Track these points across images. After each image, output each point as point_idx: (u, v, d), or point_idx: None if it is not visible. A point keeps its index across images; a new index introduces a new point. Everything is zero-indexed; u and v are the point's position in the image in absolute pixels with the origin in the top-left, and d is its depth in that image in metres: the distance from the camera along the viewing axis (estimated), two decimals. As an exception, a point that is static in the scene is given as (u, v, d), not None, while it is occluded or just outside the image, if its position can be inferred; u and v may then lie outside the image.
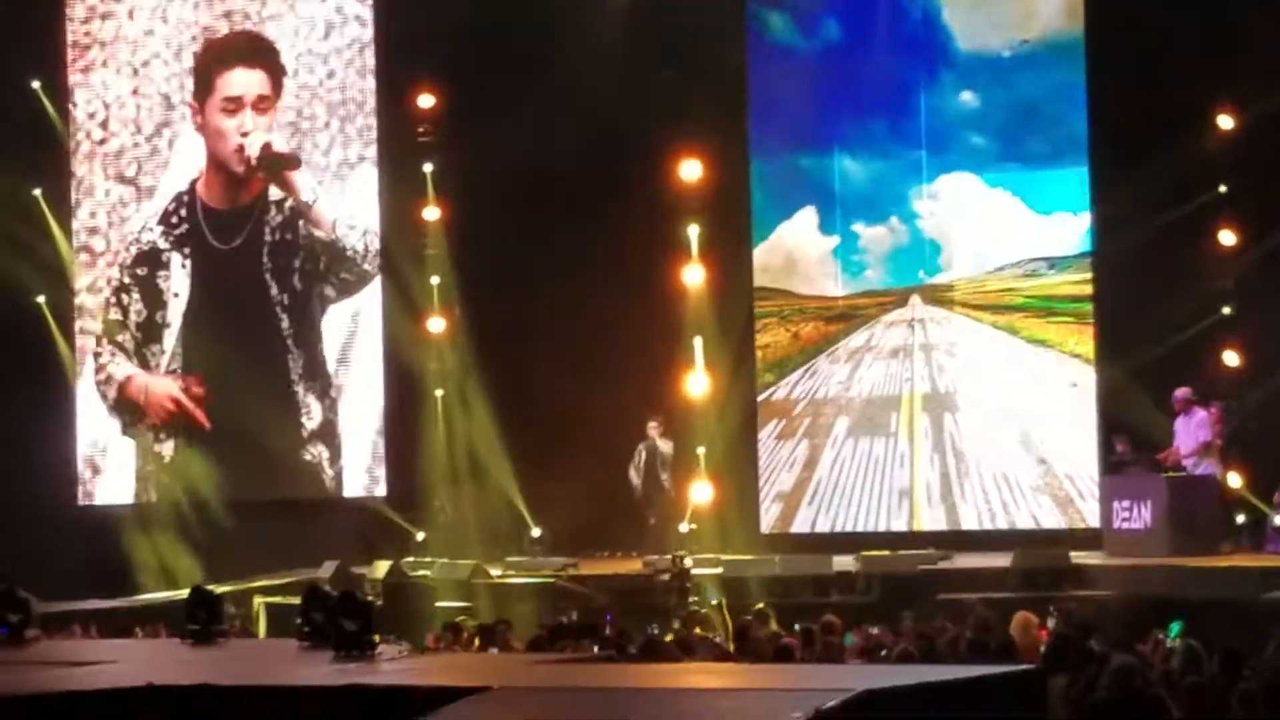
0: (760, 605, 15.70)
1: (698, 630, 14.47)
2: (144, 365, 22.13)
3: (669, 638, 13.33)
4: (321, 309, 21.77)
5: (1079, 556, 17.50)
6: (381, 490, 21.42)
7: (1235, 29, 17.91)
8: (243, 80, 21.92)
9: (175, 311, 22.06)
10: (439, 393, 20.96)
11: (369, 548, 20.20)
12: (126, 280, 22.24)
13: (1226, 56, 18.08)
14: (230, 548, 20.36)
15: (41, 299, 22.12)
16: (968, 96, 20.21)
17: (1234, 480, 18.25)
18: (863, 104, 20.58)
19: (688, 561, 17.19)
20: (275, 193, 21.88)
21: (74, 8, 22.40)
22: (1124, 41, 18.74)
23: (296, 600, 10.96)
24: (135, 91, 22.30)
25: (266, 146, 21.70)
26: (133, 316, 22.18)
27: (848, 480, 20.48)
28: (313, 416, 21.67)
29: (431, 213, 21.14)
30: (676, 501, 20.08)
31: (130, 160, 22.32)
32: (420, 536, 20.59)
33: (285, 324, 21.73)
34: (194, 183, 22.19)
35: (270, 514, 21.12)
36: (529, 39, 20.02)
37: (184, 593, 11.77)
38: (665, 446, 20.11)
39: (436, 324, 21.04)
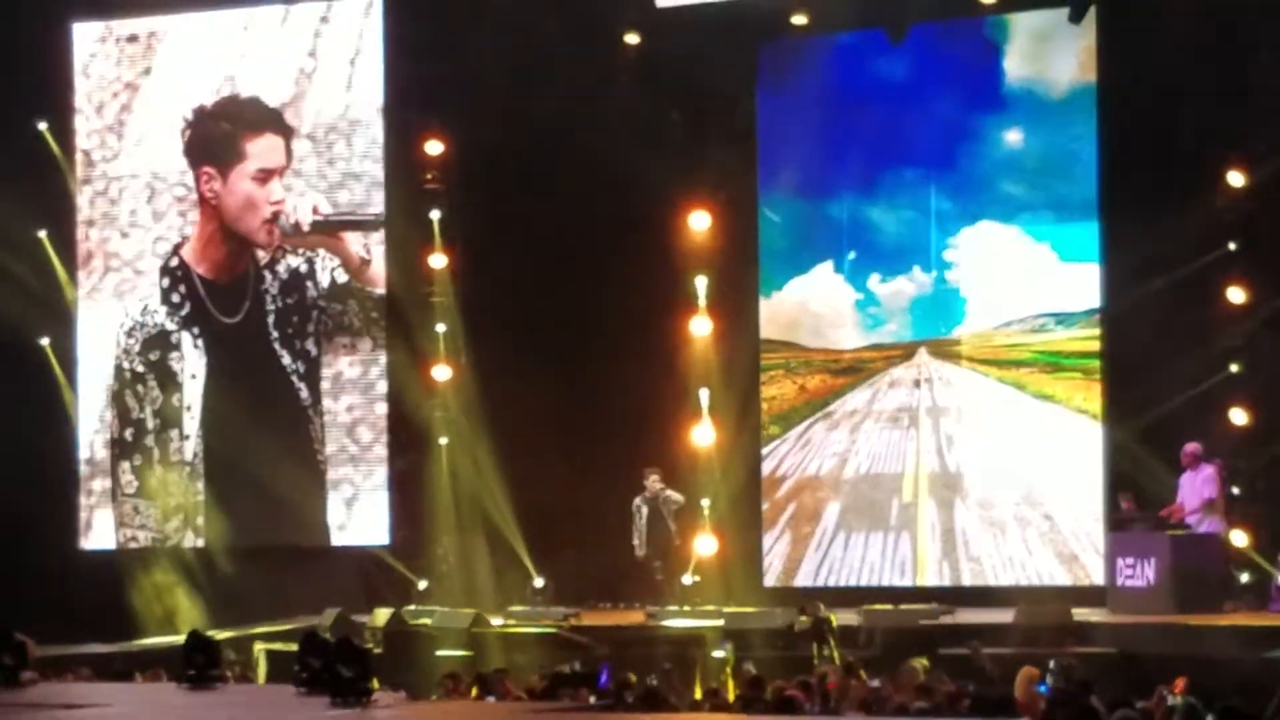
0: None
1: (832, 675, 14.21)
2: (163, 453, 21.99)
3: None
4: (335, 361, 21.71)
5: (1082, 613, 17.43)
6: (385, 538, 21.35)
7: (1247, 87, 17.89)
8: (272, 147, 21.77)
9: (193, 394, 21.94)
10: (443, 441, 20.93)
11: (371, 595, 20.14)
12: (140, 368, 22.11)
13: (1238, 114, 18.07)
14: (234, 594, 20.36)
15: (46, 341, 22.14)
16: (986, 147, 20.23)
17: (1238, 538, 18.19)
18: (877, 152, 20.57)
19: (824, 610, 16.95)
20: (263, 256, 21.79)
21: (81, 50, 22.42)
22: (1136, 97, 18.74)
23: (295, 647, 10.92)
24: (137, 145, 22.28)
25: (314, 209, 21.54)
26: (148, 406, 22.07)
27: (852, 536, 20.47)
28: (321, 464, 21.62)
29: (438, 260, 21.13)
30: (682, 552, 19.98)
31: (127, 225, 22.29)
32: (423, 585, 20.54)
33: (304, 393, 21.62)
34: (177, 252, 22.12)
35: (274, 560, 21.09)
36: (538, 87, 20.03)
37: (183, 639, 11.73)
38: (675, 496, 19.99)
39: (442, 372, 21.02)
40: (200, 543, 21.71)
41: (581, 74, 20.02)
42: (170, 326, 22.08)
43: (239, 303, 21.80)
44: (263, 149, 21.79)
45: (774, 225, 20.96)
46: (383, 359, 21.43)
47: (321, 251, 21.62)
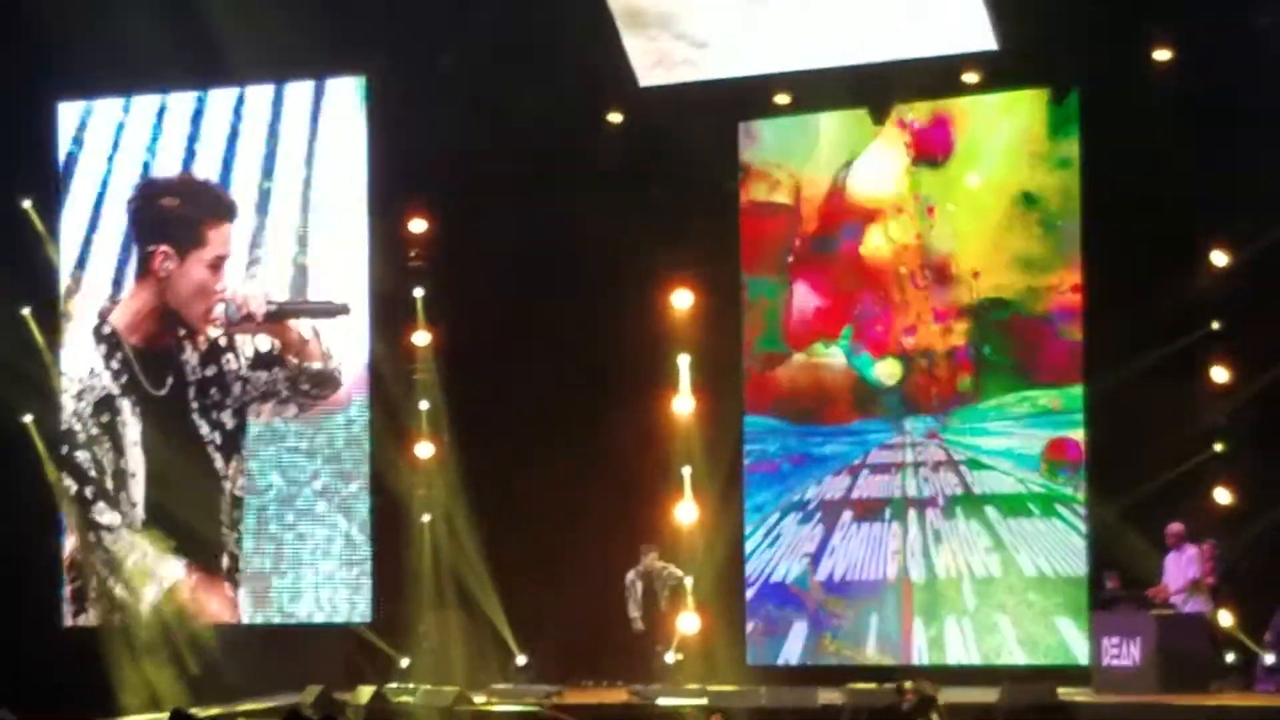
0: None
1: None
2: (122, 515, 22.04)
3: None
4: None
5: (1067, 693, 17.37)
6: (366, 615, 21.26)
7: (1230, 164, 17.98)
8: (229, 236, 21.87)
9: (136, 461, 21.99)
10: (426, 518, 20.89)
11: (353, 673, 20.05)
12: (94, 431, 22.16)
13: (1221, 192, 18.15)
14: (215, 671, 20.27)
15: (29, 419, 22.11)
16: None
17: (1224, 618, 18.18)
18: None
19: (929, 688, 16.79)
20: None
21: (64, 128, 22.53)
22: (1118, 173, 18.84)
23: (277, 725, 10.89)
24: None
25: (267, 299, 21.62)
26: (107, 465, 22.10)
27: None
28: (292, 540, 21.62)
29: (421, 337, 21.14)
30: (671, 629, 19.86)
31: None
32: (405, 662, 20.46)
33: (219, 463, 21.66)
34: (105, 319, 22.19)
35: (255, 638, 21.02)
36: (522, 165, 20.13)
37: (166, 716, 11.69)
38: (675, 571, 19.83)
39: (425, 449, 21.00)
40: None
41: (565, 152, 20.11)
42: (114, 390, 22.17)
43: (164, 375, 21.91)
44: (223, 237, 21.86)
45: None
46: (364, 436, 21.40)
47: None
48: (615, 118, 20.64)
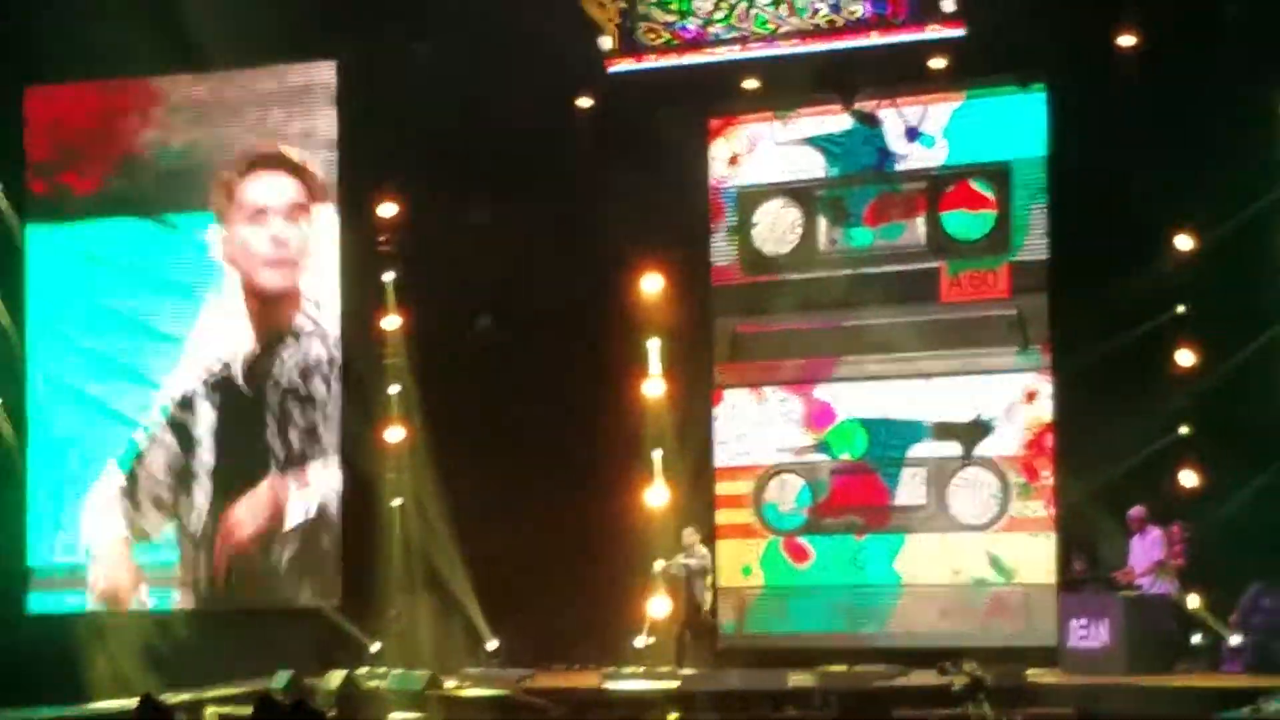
0: None
1: None
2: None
3: None
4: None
5: (1035, 674, 17.50)
6: (337, 600, 21.28)
7: (1196, 150, 18.12)
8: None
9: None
10: (397, 502, 20.91)
11: (323, 658, 20.06)
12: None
13: (1187, 178, 18.28)
14: (186, 656, 20.25)
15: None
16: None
17: (1191, 600, 18.33)
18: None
19: (978, 668, 16.82)
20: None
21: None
22: (1086, 161, 18.95)
23: (249, 710, 10.89)
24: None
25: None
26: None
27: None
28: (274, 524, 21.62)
29: (391, 322, 21.16)
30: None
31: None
32: (375, 647, 20.46)
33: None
34: None
35: (226, 623, 21.02)
36: (492, 150, 20.15)
37: (133, 702, 11.72)
38: (703, 553, 19.77)
39: (395, 433, 21.03)
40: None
41: (534, 137, 20.12)
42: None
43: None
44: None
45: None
46: (335, 416, 21.41)
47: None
48: (585, 103, 20.67)
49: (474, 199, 20.23)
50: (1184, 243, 18.77)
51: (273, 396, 21.61)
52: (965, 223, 20.22)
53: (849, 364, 20.54)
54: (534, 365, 20.35)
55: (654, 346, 20.53)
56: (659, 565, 19.65)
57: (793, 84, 20.28)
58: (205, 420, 21.81)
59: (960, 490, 20.07)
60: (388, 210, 21.14)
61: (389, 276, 21.19)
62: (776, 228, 20.94)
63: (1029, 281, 19.84)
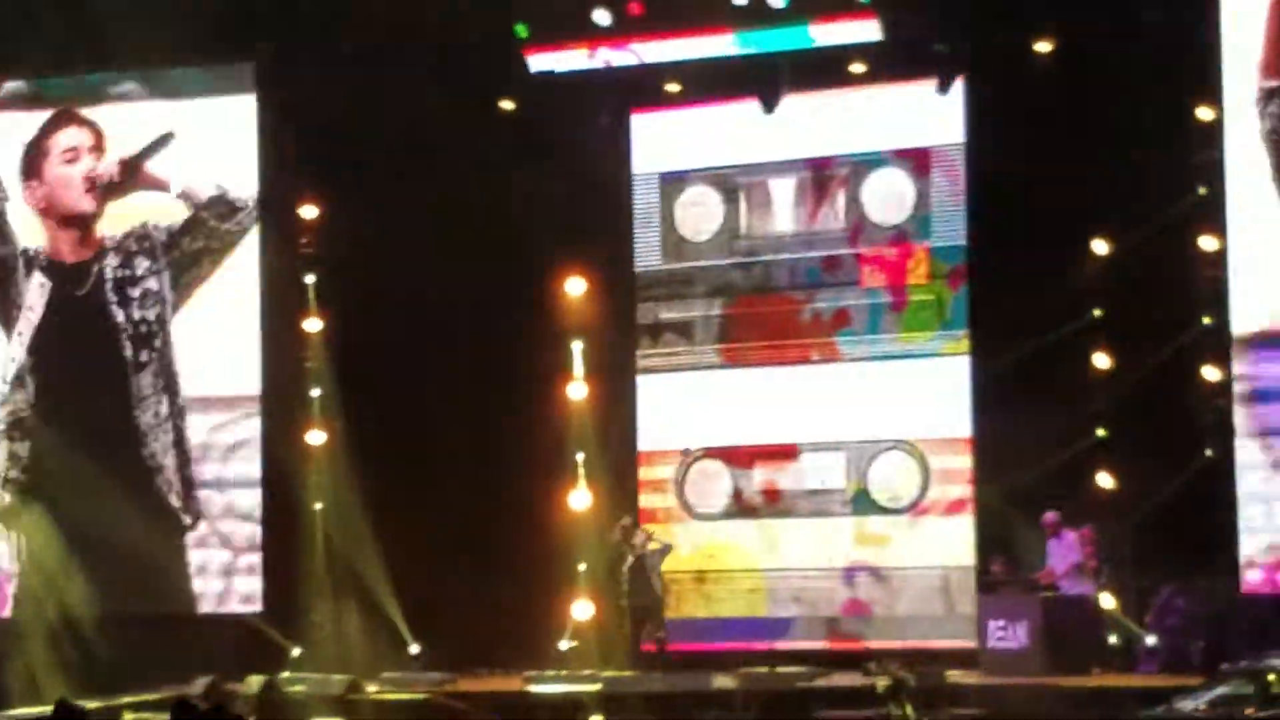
0: None
1: None
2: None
3: None
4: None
5: (955, 675, 17.63)
6: (258, 605, 21.20)
7: (1112, 154, 18.27)
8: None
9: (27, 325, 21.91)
10: (318, 506, 20.85)
11: (243, 663, 19.96)
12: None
13: (1103, 182, 18.44)
14: (102, 663, 20.11)
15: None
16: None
17: (1107, 601, 18.49)
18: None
19: (898, 670, 16.85)
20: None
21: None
22: (1003, 165, 19.09)
23: (166, 716, 10.86)
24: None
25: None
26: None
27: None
28: (187, 529, 21.47)
29: (313, 324, 21.10)
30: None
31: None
32: (296, 652, 20.40)
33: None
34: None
35: (144, 628, 20.87)
36: (413, 152, 20.11)
37: (49, 709, 11.67)
38: (655, 546, 19.74)
39: (317, 437, 20.96)
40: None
41: (456, 140, 20.10)
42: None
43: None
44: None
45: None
46: (256, 424, 21.32)
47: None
48: (507, 105, 20.67)
49: (396, 201, 20.15)
50: (1100, 247, 18.91)
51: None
52: (885, 208, 20.33)
53: (770, 348, 20.62)
54: (456, 367, 20.34)
55: (577, 349, 20.59)
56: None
57: (715, 87, 20.34)
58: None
59: (881, 473, 20.20)
60: (309, 212, 21.07)
61: (310, 278, 21.12)
62: (698, 214, 21.01)
63: (947, 267, 20.00)
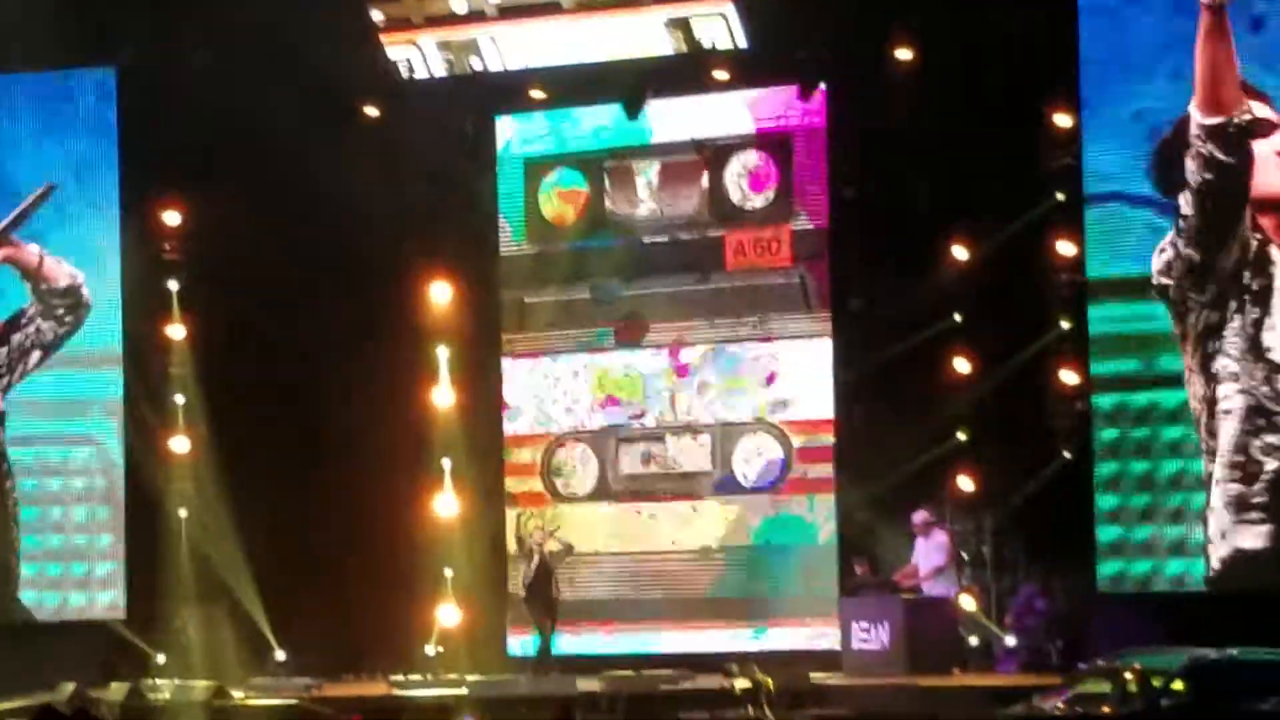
0: None
1: None
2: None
3: None
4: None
5: (819, 677, 17.80)
6: (121, 612, 21.03)
7: (970, 161, 18.49)
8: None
9: None
10: (182, 512, 20.72)
11: (107, 670, 19.83)
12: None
13: (962, 188, 18.67)
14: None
15: None
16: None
17: (967, 602, 18.74)
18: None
19: (760, 673, 16.88)
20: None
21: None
22: (865, 169, 19.31)
23: (31, 723, 10.81)
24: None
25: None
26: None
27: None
28: (47, 535, 21.30)
29: (176, 331, 20.97)
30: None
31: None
32: (161, 658, 20.27)
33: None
34: None
35: (4, 636, 20.67)
36: (277, 158, 19.98)
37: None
38: (555, 546, 19.74)
39: (180, 443, 20.83)
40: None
41: (321, 145, 20.01)
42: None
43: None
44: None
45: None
46: (118, 428, 21.15)
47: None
48: (372, 111, 20.65)
49: (260, 207, 20.06)
50: (959, 252, 19.14)
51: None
52: (747, 191, 20.55)
53: (636, 330, 20.84)
54: (322, 372, 20.29)
55: (443, 354, 20.61)
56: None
57: (578, 93, 20.44)
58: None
59: (745, 455, 20.40)
60: (172, 218, 20.94)
61: (174, 284, 21.00)
62: (561, 198, 21.14)
63: (809, 249, 20.23)
